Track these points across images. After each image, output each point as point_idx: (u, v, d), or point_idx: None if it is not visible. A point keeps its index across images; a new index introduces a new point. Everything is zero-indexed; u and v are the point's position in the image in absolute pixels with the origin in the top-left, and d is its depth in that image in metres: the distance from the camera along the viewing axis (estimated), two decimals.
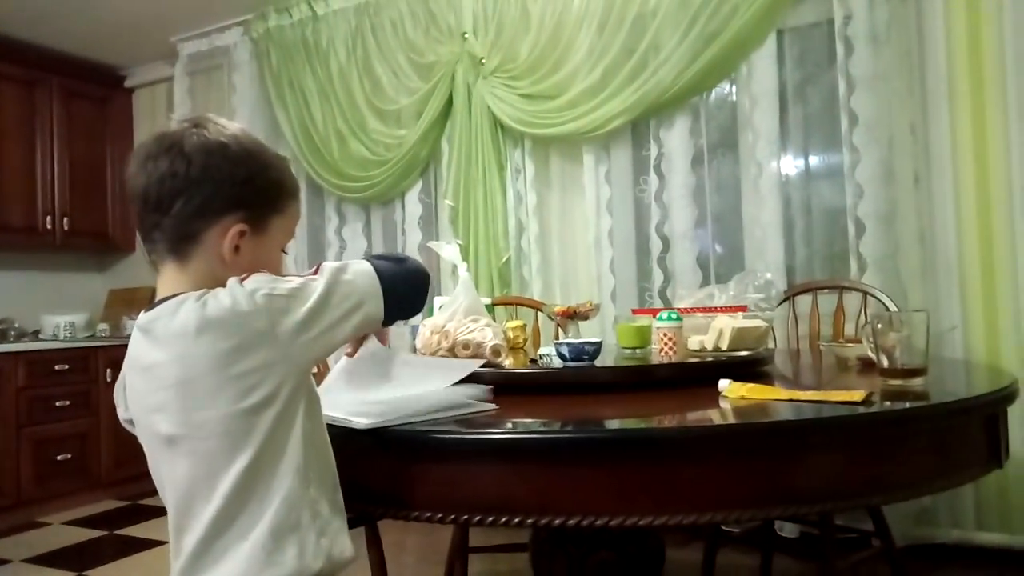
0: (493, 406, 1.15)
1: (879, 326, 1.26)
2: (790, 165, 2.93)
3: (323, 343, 0.90)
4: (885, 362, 1.23)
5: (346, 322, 0.91)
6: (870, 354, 1.31)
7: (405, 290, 0.98)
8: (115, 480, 3.93)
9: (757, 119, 2.83)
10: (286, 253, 1.05)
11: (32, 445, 3.65)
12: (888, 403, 1.09)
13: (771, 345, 2.47)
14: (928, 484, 1.04)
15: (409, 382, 1.19)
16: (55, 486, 3.73)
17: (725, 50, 2.81)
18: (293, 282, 0.89)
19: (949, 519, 2.57)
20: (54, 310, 4.22)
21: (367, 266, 0.95)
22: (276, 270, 1.01)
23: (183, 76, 4.15)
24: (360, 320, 0.93)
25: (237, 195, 0.93)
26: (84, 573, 2.83)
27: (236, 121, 1.03)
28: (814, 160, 2.94)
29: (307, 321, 0.88)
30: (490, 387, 1.18)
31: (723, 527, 2.50)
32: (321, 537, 0.90)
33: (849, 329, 2.40)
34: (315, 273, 0.92)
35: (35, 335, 4.09)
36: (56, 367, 3.77)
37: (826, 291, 2.58)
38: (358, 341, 1.10)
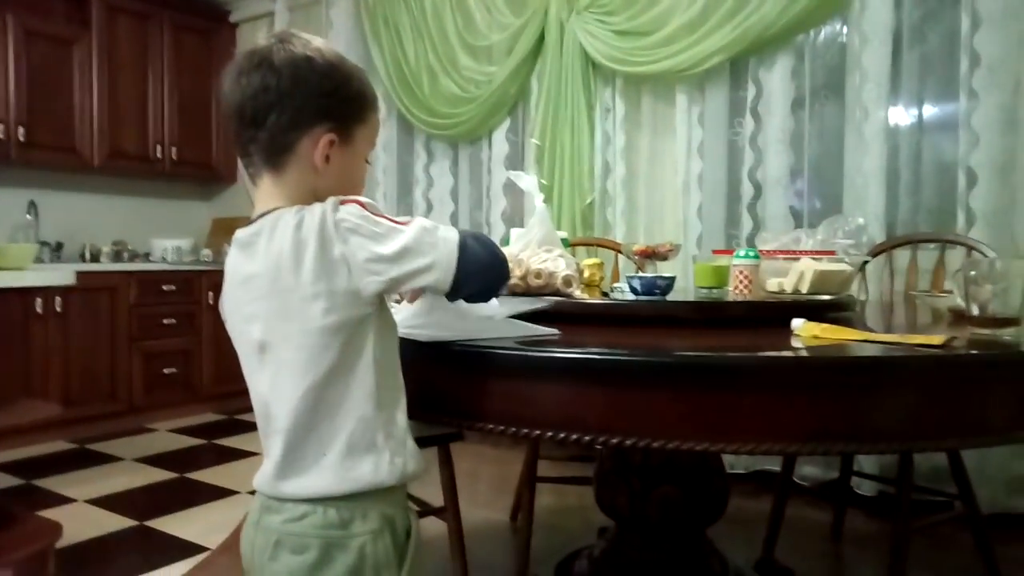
0: (556, 331, 1.16)
1: (972, 274, 1.19)
2: (899, 110, 2.75)
3: (385, 288, 0.93)
4: (975, 310, 1.16)
5: (410, 280, 0.93)
6: (960, 302, 1.24)
7: (478, 276, 0.96)
8: (215, 395, 4.22)
9: (867, 60, 2.66)
10: (369, 163, 1.08)
11: (142, 358, 3.95)
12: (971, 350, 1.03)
13: (861, 296, 2.38)
14: (1005, 435, 0.99)
15: (475, 312, 1.20)
16: (162, 397, 4.05)
17: None
18: (382, 224, 0.91)
19: None
20: (162, 234, 4.51)
21: (454, 238, 0.94)
22: (361, 178, 1.05)
23: (283, 11, 4.25)
24: (424, 283, 0.93)
25: (325, 106, 0.96)
26: (185, 475, 3.08)
27: None
28: (926, 104, 2.74)
29: (378, 264, 0.90)
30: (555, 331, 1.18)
31: (795, 479, 2.47)
32: (395, 456, 0.95)
33: (950, 285, 2.27)
34: (405, 224, 0.93)
35: (146, 257, 4.39)
36: (164, 287, 4.04)
37: (929, 246, 2.44)
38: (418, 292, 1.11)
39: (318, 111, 0.96)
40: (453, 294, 0.96)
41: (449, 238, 0.93)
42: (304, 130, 0.95)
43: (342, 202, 0.92)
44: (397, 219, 0.93)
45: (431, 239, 0.92)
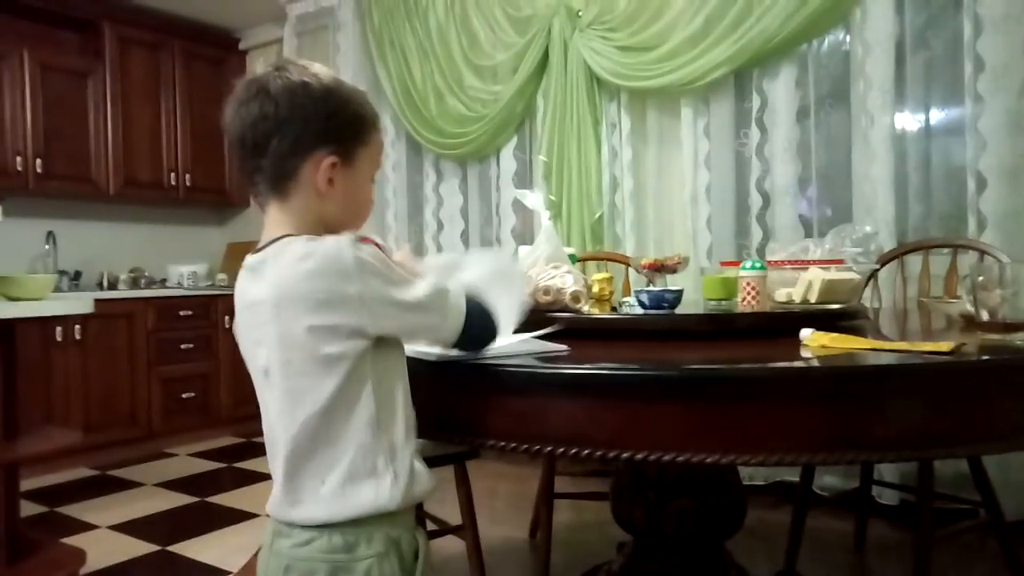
0: (566, 347, 1.17)
1: (980, 279, 1.19)
2: (905, 116, 2.75)
3: (396, 333, 0.98)
4: (985, 316, 1.16)
5: (420, 333, 1.01)
6: (968, 307, 1.24)
7: (471, 345, 1.06)
8: (233, 418, 4.26)
9: (870, 67, 2.67)
10: (373, 182, 1.10)
11: (161, 383, 3.99)
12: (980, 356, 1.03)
13: (874, 303, 2.38)
14: (1017, 439, 0.98)
15: None
16: (181, 421, 4.08)
17: None
18: (397, 273, 0.96)
19: None
20: (178, 260, 4.57)
21: (463, 308, 1.02)
22: (367, 199, 1.07)
23: (292, 37, 4.33)
24: (429, 339, 1.03)
25: (323, 130, 0.98)
26: (206, 498, 3.10)
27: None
28: (932, 110, 2.74)
29: (395, 308, 0.94)
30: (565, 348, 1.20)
31: (815, 489, 2.45)
32: (397, 480, 0.95)
33: (962, 290, 2.25)
34: (418, 279, 1.00)
35: (162, 283, 4.45)
36: (181, 312, 4.09)
37: (941, 251, 2.42)
38: None
39: (317, 135, 0.97)
40: (452, 347, 1.05)
41: (460, 308, 1.01)
42: (305, 155, 0.97)
43: (361, 240, 0.93)
44: (410, 270, 1.01)
45: (443, 303, 1.00)
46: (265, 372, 0.97)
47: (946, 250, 2.40)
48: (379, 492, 0.94)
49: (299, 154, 0.97)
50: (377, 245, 0.94)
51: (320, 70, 1.01)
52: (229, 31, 4.69)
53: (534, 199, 1.59)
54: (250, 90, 0.97)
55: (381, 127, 1.09)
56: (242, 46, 4.73)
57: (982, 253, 2.24)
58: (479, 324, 1.04)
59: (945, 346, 1.01)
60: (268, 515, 1.01)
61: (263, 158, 0.97)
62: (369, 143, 1.04)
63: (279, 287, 0.93)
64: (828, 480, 2.74)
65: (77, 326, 3.59)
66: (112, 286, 4.18)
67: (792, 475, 2.74)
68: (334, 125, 0.99)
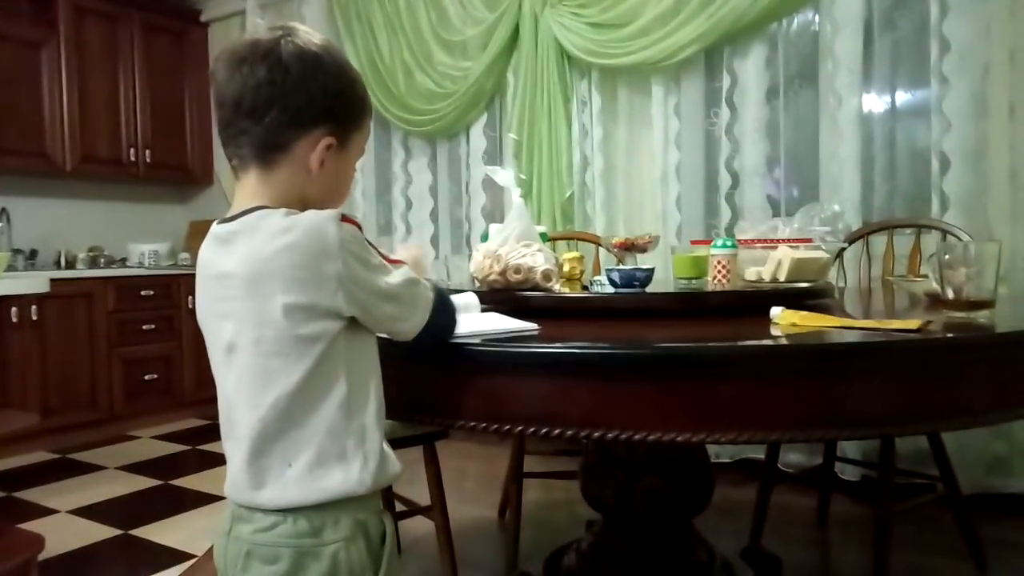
0: (536, 326, 1.16)
1: (947, 258, 1.20)
2: (872, 97, 2.77)
3: (364, 318, 0.93)
4: (950, 294, 1.17)
5: (387, 322, 0.96)
6: (935, 286, 1.25)
7: (435, 334, 1.02)
8: (197, 400, 4.19)
9: (839, 48, 2.68)
10: (355, 169, 1.06)
11: (123, 365, 3.90)
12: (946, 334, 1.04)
13: (839, 282, 2.41)
14: (982, 416, 1.00)
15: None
16: (143, 403, 4.00)
17: None
18: (376, 257, 0.93)
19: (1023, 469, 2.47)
20: (139, 239, 4.45)
21: (431, 299, 1.00)
22: (348, 186, 1.04)
23: (255, 9, 4.21)
24: (393, 329, 0.98)
25: (329, 108, 0.94)
26: (169, 481, 3.05)
27: None
28: (898, 91, 2.76)
29: (368, 295, 0.91)
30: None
31: (780, 466, 2.49)
32: (366, 464, 0.92)
33: (925, 269, 2.29)
34: (393, 264, 0.96)
35: (122, 262, 4.33)
36: (142, 292, 3.99)
37: (905, 231, 2.46)
38: None
39: (320, 113, 0.93)
40: (412, 340, 1.00)
41: (428, 302, 0.99)
42: (303, 130, 0.93)
43: (343, 218, 0.89)
44: (386, 256, 0.96)
45: (415, 295, 0.97)
46: (229, 348, 0.93)
47: (909, 230, 2.44)
48: (348, 476, 0.91)
49: (298, 128, 0.93)
50: (357, 226, 0.91)
51: (328, 42, 0.97)
52: (190, 2, 4.55)
53: (505, 176, 1.57)
54: (256, 51, 0.91)
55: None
56: (203, 18, 4.59)
57: (945, 233, 2.27)
58: (442, 322, 1.02)
59: (913, 324, 1.02)
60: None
61: (256, 124, 0.92)
62: (363, 129, 1.01)
63: (254, 262, 0.89)
64: (792, 457, 2.79)
65: (33, 306, 3.48)
66: (70, 265, 4.06)
67: (757, 452, 2.78)
68: (339, 105, 0.95)
